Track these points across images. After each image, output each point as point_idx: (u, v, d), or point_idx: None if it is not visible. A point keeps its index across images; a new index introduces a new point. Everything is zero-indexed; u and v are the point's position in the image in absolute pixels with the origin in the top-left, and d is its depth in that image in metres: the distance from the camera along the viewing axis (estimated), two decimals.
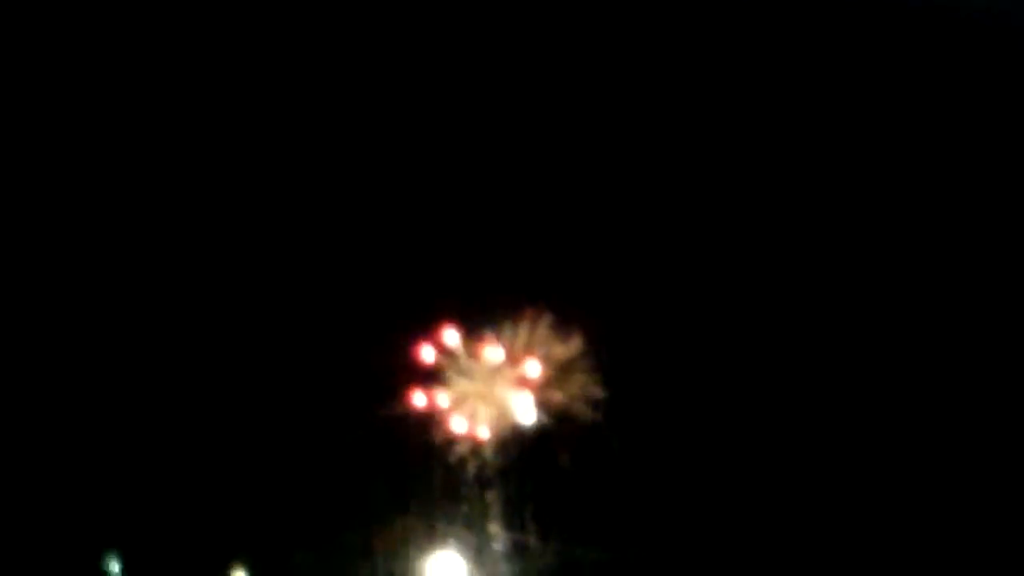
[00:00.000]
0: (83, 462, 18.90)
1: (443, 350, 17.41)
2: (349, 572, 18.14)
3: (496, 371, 17.22)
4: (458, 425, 17.13)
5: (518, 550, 17.30)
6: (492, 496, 17.14)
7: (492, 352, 17.35)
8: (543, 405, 17.20)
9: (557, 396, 17.08)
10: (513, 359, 17.17)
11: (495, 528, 17.10)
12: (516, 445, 17.12)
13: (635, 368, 17.57)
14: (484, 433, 17.01)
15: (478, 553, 17.23)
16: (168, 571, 18.51)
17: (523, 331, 16.97)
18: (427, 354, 17.40)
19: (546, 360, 17.03)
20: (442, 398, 17.25)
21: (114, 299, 18.59)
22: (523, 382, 17.22)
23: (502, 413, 17.05)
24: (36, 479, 18.28)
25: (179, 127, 18.95)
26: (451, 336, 17.24)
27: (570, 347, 16.94)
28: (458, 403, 17.23)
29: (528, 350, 17.10)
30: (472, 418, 17.14)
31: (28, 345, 18.53)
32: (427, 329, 17.62)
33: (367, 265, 18.41)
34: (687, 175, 18.29)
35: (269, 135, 18.83)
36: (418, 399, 17.19)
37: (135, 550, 18.64)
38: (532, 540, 17.04)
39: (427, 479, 17.20)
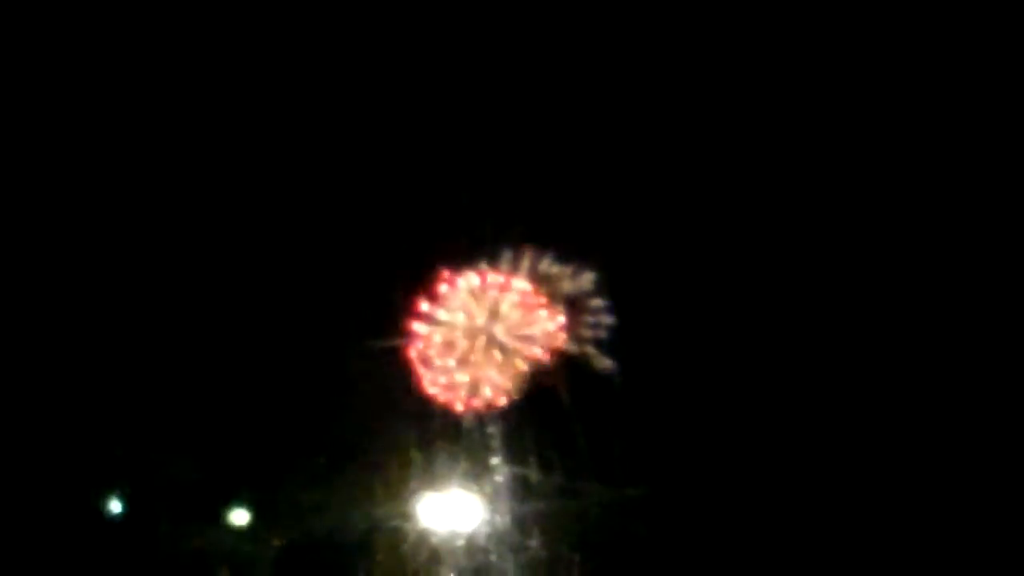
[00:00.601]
0: (83, 403, 18.84)
1: (445, 288, 17.28)
2: (350, 510, 18.10)
3: (498, 308, 17.07)
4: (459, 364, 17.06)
5: (520, 485, 17.21)
6: (494, 431, 17.04)
7: (495, 288, 17.20)
8: (546, 344, 17.08)
9: (560, 336, 16.98)
10: (516, 294, 17.01)
11: (497, 464, 16.99)
12: (519, 383, 17.01)
13: (639, 304, 17.50)
14: (487, 372, 16.92)
15: (480, 489, 17.16)
16: (169, 510, 18.48)
17: (524, 267, 16.83)
18: (429, 293, 17.28)
19: (550, 297, 16.90)
20: (440, 336, 17.13)
21: (114, 225, 18.53)
22: (527, 322, 17.09)
23: (506, 352, 16.93)
24: (36, 420, 18.22)
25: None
26: (452, 276, 17.14)
27: (575, 283, 16.80)
28: (458, 342, 17.11)
29: (533, 286, 16.97)
30: (474, 357, 17.04)
31: (25, 277, 18.49)
32: (430, 267, 17.55)
33: (371, 203, 18.33)
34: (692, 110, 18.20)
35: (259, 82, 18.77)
36: (418, 334, 17.06)
37: (136, 490, 18.61)
38: (534, 475, 16.95)
39: (427, 416, 17.10)
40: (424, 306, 17.10)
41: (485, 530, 17.46)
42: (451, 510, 17.76)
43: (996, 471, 17.77)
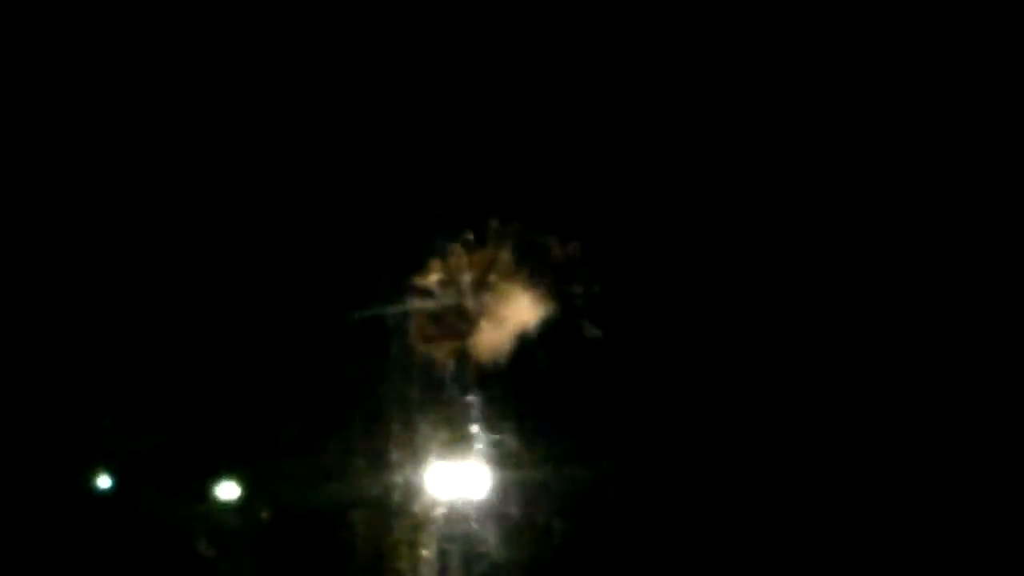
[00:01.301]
0: (68, 378, 18.93)
1: (431, 260, 17.53)
2: (338, 481, 18.25)
3: (485, 279, 17.28)
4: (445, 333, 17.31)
5: (503, 454, 17.40)
6: (474, 402, 17.23)
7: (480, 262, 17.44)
8: (532, 313, 17.30)
9: (546, 304, 17.20)
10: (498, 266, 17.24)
11: (477, 432, 17.19)
12: (505, 351, 17.25)
13: (624, 276, 17.69)
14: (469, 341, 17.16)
15: (466, 457, 17.34)
16: (158, 484, 18.56)
17: (510, 238, 17.03)
18: (415, 264, 17.56)
19: (536, 267, 17.12)
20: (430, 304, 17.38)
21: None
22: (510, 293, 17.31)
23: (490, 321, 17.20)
24: (19, 396, 18.29)
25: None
26: (438, 247, 17.36)
27: (561, 252, 17.00)
28: (446, 313, 17.34)
29: (519, 255, 17.19)
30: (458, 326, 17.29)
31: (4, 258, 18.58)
32: (416, 239, 17.78)
33: (356, 179, 18.49)
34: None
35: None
36: (408, 302, 17.29)
37: (124, 465, 18.70)
38: (514, 443, 17.13)
39: (414, 384, 17.32)
40: (411, 278, 17.40)
41: (473, 498, 17.64)
42: (439, 479, 17.96)
43: (995, 471, 18.07)
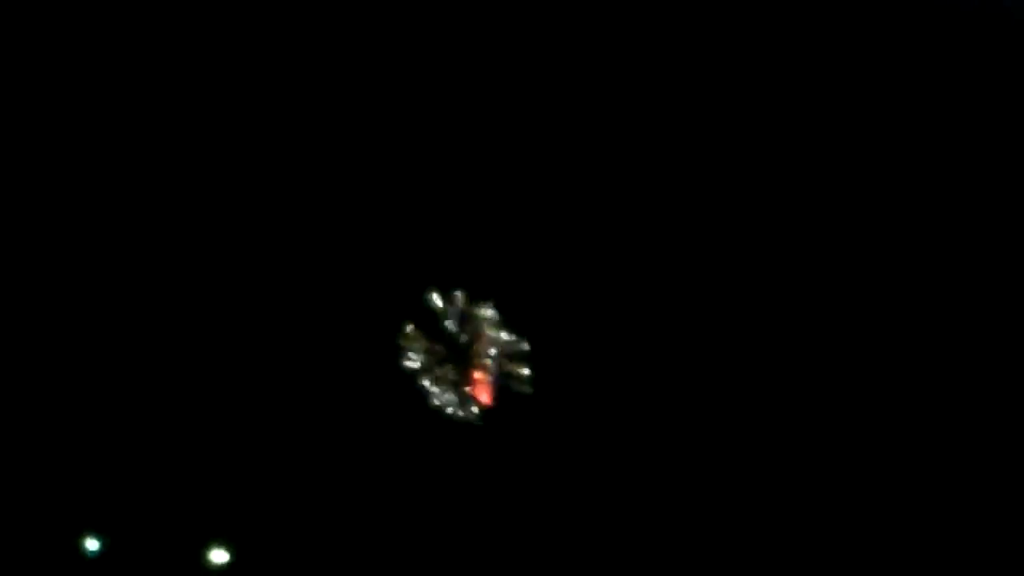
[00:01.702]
0: (61, 443, 19.29)
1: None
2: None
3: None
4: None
5: None
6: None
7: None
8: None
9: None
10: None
11: None
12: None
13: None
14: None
15: None
16: (148, 549, 18.72)
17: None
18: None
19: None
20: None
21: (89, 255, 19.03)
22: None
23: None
24: (12, 460, 18.68)
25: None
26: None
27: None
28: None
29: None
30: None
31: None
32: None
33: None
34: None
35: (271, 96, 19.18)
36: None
37: (114, 529, 18.92)
38: None
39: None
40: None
41: None
42: None
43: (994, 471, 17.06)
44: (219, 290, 19.72)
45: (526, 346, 19.40)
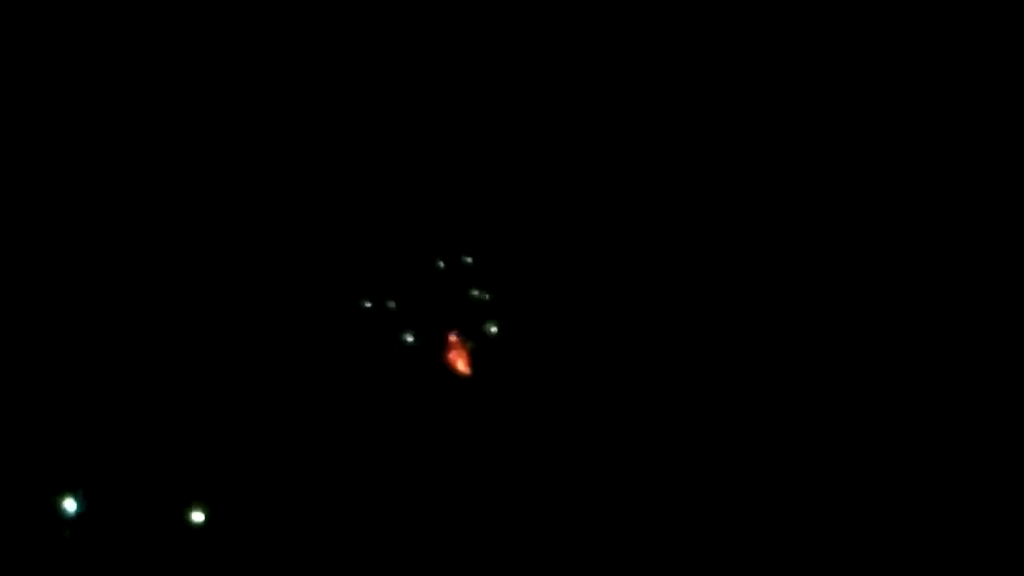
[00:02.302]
0: (39, 400, 18.84)
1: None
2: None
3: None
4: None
5: None
6: None
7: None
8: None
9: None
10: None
11: None
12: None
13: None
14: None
15: None
16: (128, 510, 18.44)
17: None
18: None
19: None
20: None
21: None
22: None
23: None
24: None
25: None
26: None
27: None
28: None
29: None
30: None
31: None
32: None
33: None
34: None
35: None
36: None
37: (93, 490, 18.57)
38: None
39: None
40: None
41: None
42: None
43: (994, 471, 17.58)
44: (208, 269, 19.31)
45: (505, 314, 19.36)
